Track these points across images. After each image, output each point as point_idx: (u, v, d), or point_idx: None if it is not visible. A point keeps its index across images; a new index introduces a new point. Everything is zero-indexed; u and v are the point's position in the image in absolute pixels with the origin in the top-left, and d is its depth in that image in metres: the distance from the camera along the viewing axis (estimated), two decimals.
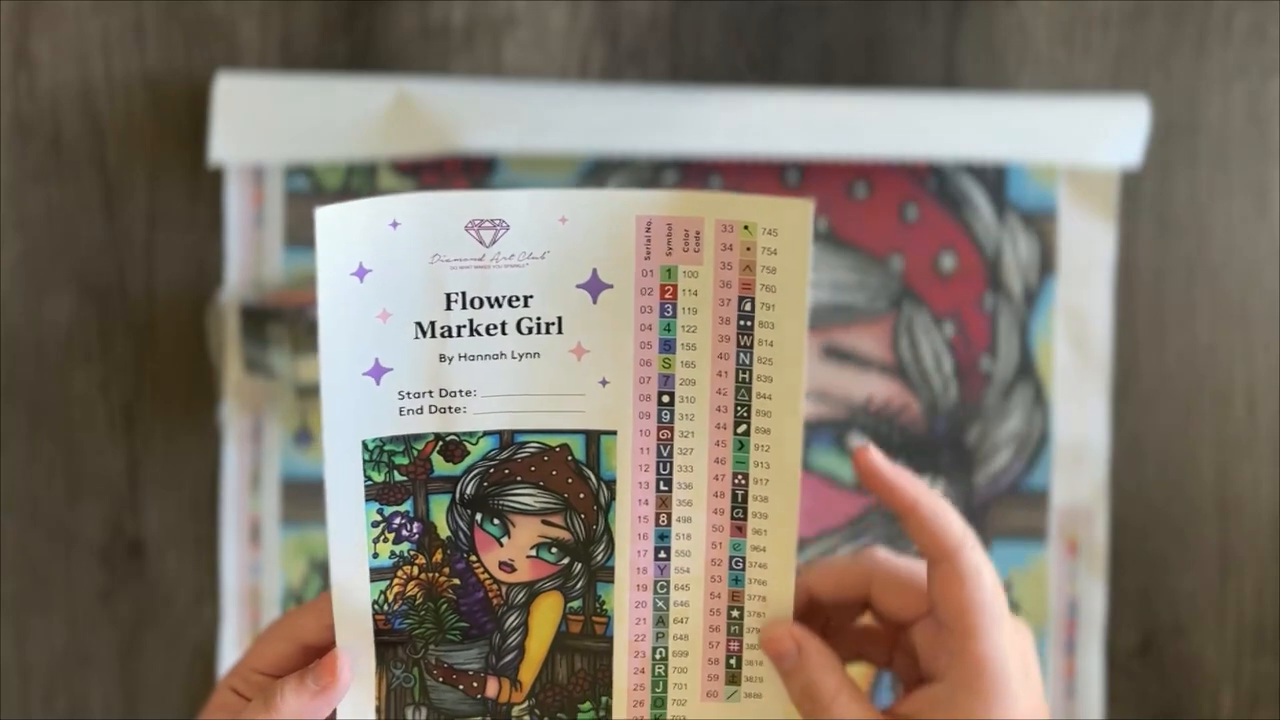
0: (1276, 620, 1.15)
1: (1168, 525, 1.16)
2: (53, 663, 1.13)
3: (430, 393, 0.76)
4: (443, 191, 0.75)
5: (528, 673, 0.79)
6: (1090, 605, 1.15)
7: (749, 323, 0.76)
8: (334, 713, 0.77)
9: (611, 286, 0.76)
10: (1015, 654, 0.75)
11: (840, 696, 0.76)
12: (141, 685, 1.14)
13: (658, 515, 0.78)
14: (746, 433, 0.77)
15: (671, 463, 0.77)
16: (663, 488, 0.77)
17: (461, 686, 0.79)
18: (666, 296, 0.76)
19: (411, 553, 0.77)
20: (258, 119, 1.11)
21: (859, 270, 1.13)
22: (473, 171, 1.12)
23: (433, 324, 0.75)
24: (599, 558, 0.78)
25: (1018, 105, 1.13)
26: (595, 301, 0.76)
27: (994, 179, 1.14)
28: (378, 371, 0.75)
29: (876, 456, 0.77)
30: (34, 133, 1.12)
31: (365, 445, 0.76)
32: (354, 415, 0.75)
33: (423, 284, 0.75)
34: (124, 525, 1.13)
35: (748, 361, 0.76)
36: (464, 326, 0.75)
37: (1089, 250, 1.14)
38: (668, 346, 0.76)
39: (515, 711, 0.79)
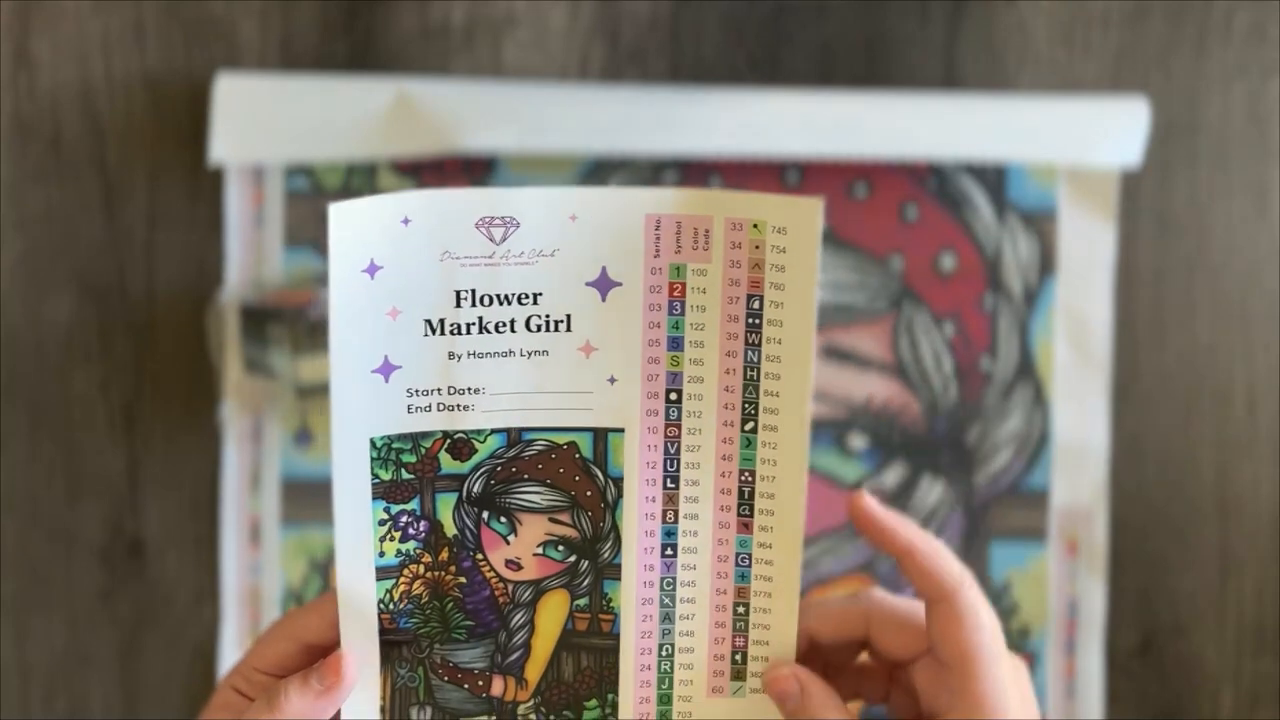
0: (1276, 620, 1.15)
1: (1168, 525, 1.16)
2: (53, 663, 1.13)
3: (439, 390, 0.76)
4: (454, 189, 0.75)
5: (533, 671, 0.79)
6: (1090, 605, 1.15)
7: (757, 321, 0.76)
8: (338, 713, 0.77)
9: (620, 284, 0.76)
10: (1015, 690, 0.77)
11: None
12: (141, 685, 1.14)
13: (665, 512, 0.78)
14: (754, 430, 0.77)
15: (679, 460, 0.77)
16: (670, 485, 0.77)
17: (467, 685, 0.79)
18: (675, 294, 0.76)
19: (418, 551, 0.77)
20: (258, 119, 1.10)
21: (859, 270, 1.13)
22: (473, 171, 1.12)
23: (442, 321, 0.75)
24: (606, 555, 0.78)
25: (1018, 105, 1.13)
26: (604, 299, 0.76)
27: (994, 179, 1.14)
28: (387, 369, 0.75)
29: (871, 503, 0.77)
30: (34, 133, 1.12)
31: (373, 443, 0.76)
32: (362, 413, 0.75)
33: (433, 281, 0.75)
34: (124, 525, 1.13)
35: (756, 360, 0.76)
36: (473, 324, 0.75)
37: (1089, 250, 1.14)
38: (676, 344, 0.76)
39: (521, 710, 0.79)
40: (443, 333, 0.75)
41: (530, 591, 0.79)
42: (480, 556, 0.78)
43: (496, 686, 0.79)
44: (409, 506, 0.77)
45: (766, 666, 0.79)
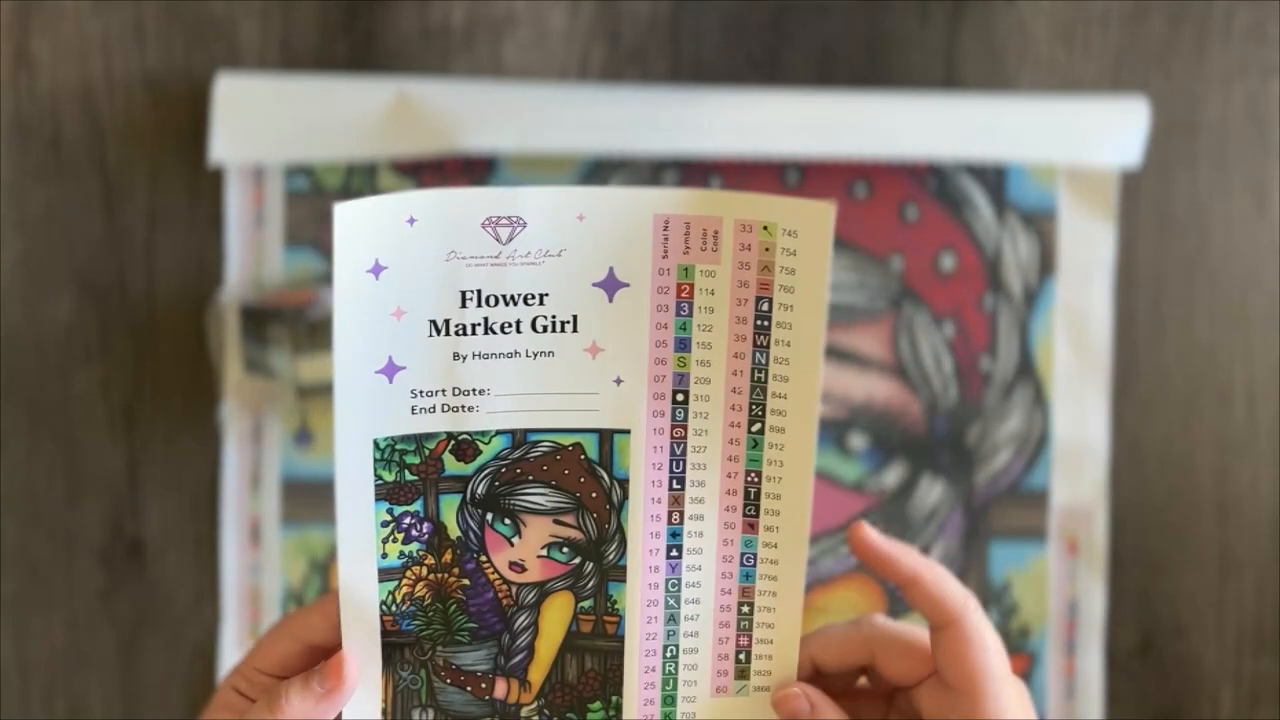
0: (1276, 620, 1.15)
1: (1168, 525, 1.16)
2: (53, 663, 1.13)
3: (443, 391, 0.75)
4: (460, 188, 0.75)
5: (537, 673, 0.79)
6: (1090, 605, 1.15)
7: (766, 323, 0.76)
8: (339, 715, 0.77)
9: (628, 285, 0.75)
10: (1020, 712, 0.77)
11: None
12: (141, 685, 1.14)
13: (670, 514, 0.77)
14: (761, 431, 0.76)
15: (685, 461, 0.77)
16: (675, 486, 0.77)
17: (469, 688, 0.79)
18: (683, 295, 0.76)
19: (421, 553, 0.77)
20: (258, 119, 1.10)
21: (859, 270, 1.13)
22: (473, 171, 1.12)
23: (447, 322, 0.75)
24: (611, 557, 0.78)
25: (1018, 105, 1.13)
26: (611, 300, 0.75)
27: (994, 179, 1.14)
28: (391, 370, 0.75)
29: (871, 533, 0.77)
30: (34, 133, 1.12)
31: (376, 444, 0.75)
32: (366, 414, 0.75)
33: (438, 281, 0.74)
34: (124, 525, 1.13)
35: (764, 361, 0.76)
36: (478, 325, 0.75)
37: (1089, 250, 1.14)
38: (683, 345, 0.76)
39: (524, 712, 0.79)
40: (448, 333, 0.75)
41: (534, 593, 0.78)
42: (484, 558, 0.78)
43: (500, 689, 0.79)
44: (412, 508, 0.77)
45: (771, 665, 0.79)
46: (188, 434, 1.13)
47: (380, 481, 0.76)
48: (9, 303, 1.12)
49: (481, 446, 0.76)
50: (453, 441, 0.76)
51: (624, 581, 0.78)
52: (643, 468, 0.77)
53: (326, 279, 1.11)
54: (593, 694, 0.79)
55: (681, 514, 0.77)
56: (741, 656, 0.79)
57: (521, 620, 0.78)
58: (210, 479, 1.13)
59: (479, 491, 0.77)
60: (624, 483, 0.77)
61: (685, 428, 0.77)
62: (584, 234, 0.75)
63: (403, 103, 1.10)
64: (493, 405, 0.76)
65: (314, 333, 1.08)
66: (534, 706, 0.79)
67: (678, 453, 0.77)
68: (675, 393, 0.76)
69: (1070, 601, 1.15)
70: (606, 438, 0.77)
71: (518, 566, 0.78)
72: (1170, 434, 1.16)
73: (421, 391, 0.75)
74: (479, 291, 0.75)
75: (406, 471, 0.76)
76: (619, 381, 0.76)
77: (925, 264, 1.14)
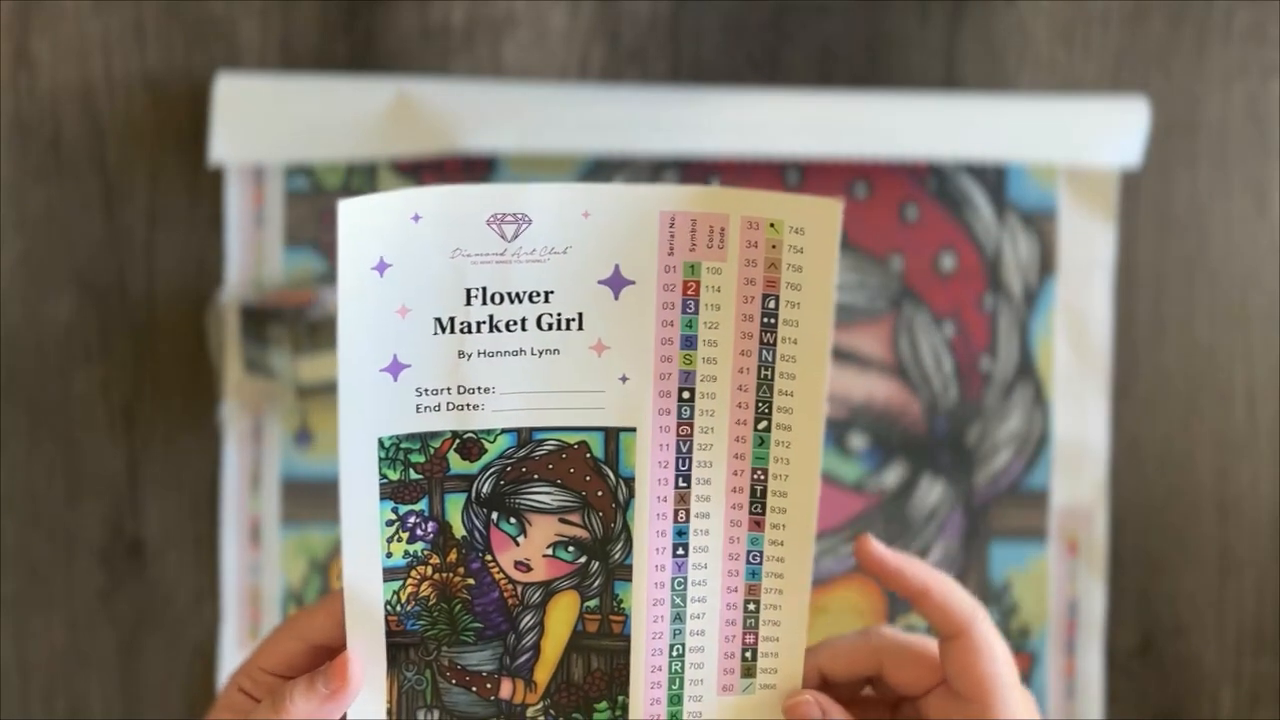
0: (1276, 620, 1.16)
1: (1168, 525, 1.16)
2: (53, 663, 1.13)
3: (448, 389, 0.75)
4: (465, 185, 0.74)
5: (543, 673, 0.79)
6: (1090, 605, 1.15)
7: (773, 320, 0.75)
8: (344, 716, 0.76)
9: (634, 283, 0.75)
10: (1029, 718, 0.77)
11: None
12: (141, 685, 1.14)
13: (676, 512, 0.77)
14: (767, 429, 0.76)
15: (691, 459, 0.77)
16: (682, 484, 0.77)
17: (475, 688, 0.78)
18: (689, 293, 0.75)
19: (426, 552, 0.77)
20: (258, 119, 1.10)
21: (859, 270, 1.13)
22: (473, 171, 1.12)
23: (452, 320, 0.74)
24: (617, 556, 0.77)
25: (1018, 105, 1.13)
26: (617, 298, 0.75)
27: (994, 179, 1.14)
28: (396, 368, 0.74)
29: (878, 547, 0.77)
30: (34, 133, 1.11)
31: (381, 443, 0.75)
32: (370, 412, 0.75)
33: (443, 279, 0.74)
34: (124, 525, 1.13)
35: (770, 359, 0.76)
36: (484, 322, 0.75)
37: (1089, 250, 1.14)
38: (689, 343, 0.76)
39: (530, 712, 0.79)
40: (453, 331, 0.74)
41: (540, 593, 0.78)
42: (489, 558, 0.77)
43: (505, 689, 0.79)
44: (417, 507, 0.76)
45: (777, 664, 0.79)
46: (188, 434, 1.13)
47: (385, 480, 0.76)
48: (9, 303, 1.11)
49: (487, 445, 0.76)
50: (458, 440, 0.76)
51: (630, 580, 0.78)
52: (649, 466, 0.77)
53: (326, 279, 1.11)
54: (599, 694, 0.79)
55: (687, 512, 0.77)
56: (748, 655, 0.79)
57: (527, 620, 0.78)
58: (210, 479, 1.13)
59: (484, 490, 0.77)
60: (630, 481, 0.77)
61: (691, 426, 0.77)
62: (589, 231, 0.74)
63: (403, 103, 1.09)
64: (498, 403, 0.76)
65: (314, 333, 1.08)
66: (540, 707, 0.79)
67: (684, 451, 0.77)
68: (681, 390, 0.76)
69: (1070, 601, 1.15)
70: (612, 436, 0.77)
71: (523, 566, 0.78)
72: (1170, 434, 1.16)
73: (426, 390, 0.75)
74: (484, 289, 0.74)
75: (411, 470, 0.76)
76: (625, 379, 0.76)
77: (925, 264, 1.14)
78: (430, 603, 0.77)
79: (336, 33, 1.12)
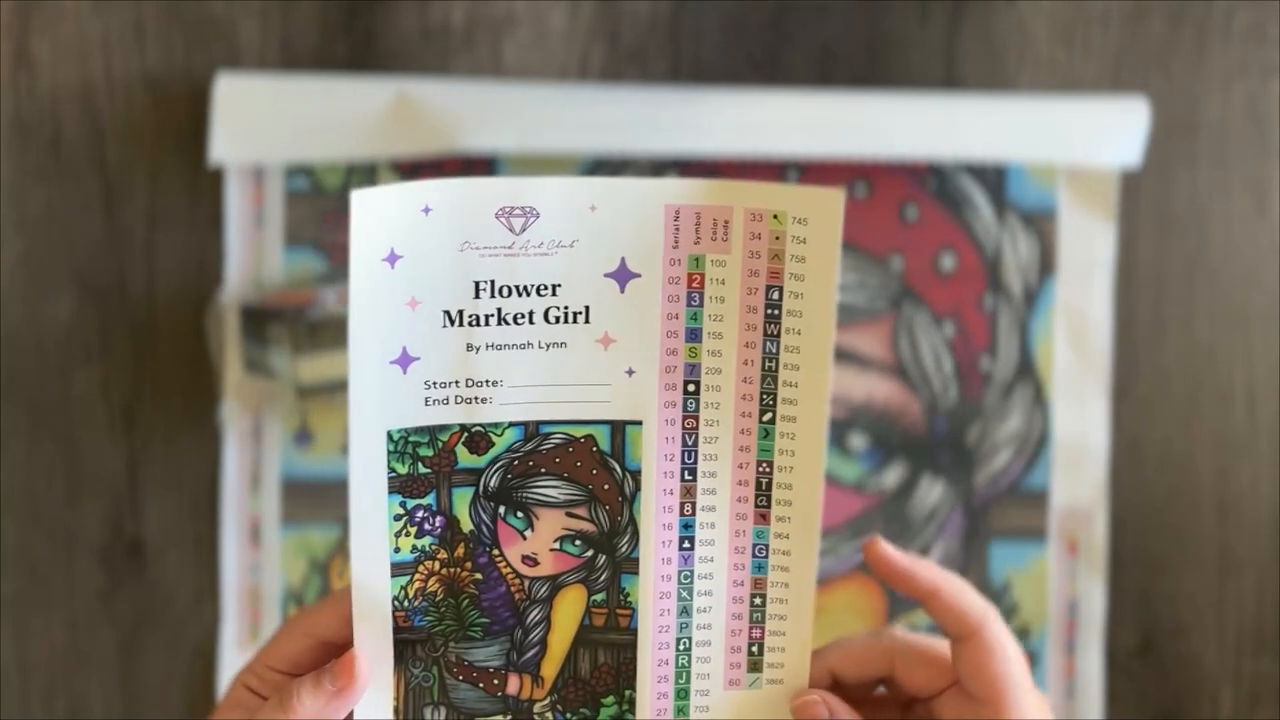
0: (1276, 620, 1.16)
1: (1168, 525, 1.16)
2: (53, 663, 1.13)
3: (457, 383, 0.75)
4: (475, 178, 0.74)
5: (550, 668, 0.78)
6: (1090, 605, 1.15)
7: (777, 312, 0.75)
8: (351, 713, 0.76)
9: (639, 276, 0.75)
10: (1043, 719, 0.77)
11: None
12: (141, 685, 1.14)
13: (682, 505, 0.77)
14: (772, 421, 0.76)
15: (696, 452, 0.77)
16: (687, 477, 0.77)
17: (482, 684, 0.78)
18: (694, 285, 0.76)
19: (433, 547, 0.77)
20: (258, 119, 1.10)
21: (859, 270, 1.13)
22: (473, 172, 1.12)
23: (461, 312, 0.74)
24: (624, 549, 0.77)
25: (1018, 105, 1.13)
26: (623, 291, 0.75)
27: (994, 179, 1.14)
28: (405, 360, 0.74)
29: (888, 549, 0.77)
30: (34, 133, 1.11)
31: (390, 436, 0.75)
32: (379, 405, 0.74)
33: (452, 272, 0.74)
34: (124, 525, 1.13)
35: (774, 351, 0.76)
36: (492, 315, 0.74)
37: (1089, 250, 1.14)
38: (694, 336, 0.76)
39: (537, 708, 0.79)
40: (461, 324, 0.74)
41: (547, 587, 0.78)
42: (497, 552, 0.77)
43: (512, 685, 0.78)
44: (425, 501, 0.76)
45: (783, 658, 0.79)
46: (188, 434, 1.13)
47: (393, 474, 0.75)
48: (9, 303, 1.11)
49: (494, 439, 0.76)
50: (466, 434, 0.76)
51: (636, 574, 0.78)
52: (655, 459, 0.77)
53: (326, 279, 1.11)
54: (606, 688, 0.79)
55: (694, 505, 0.77)
56: (754, 649, 0.79)
57: (534, 615, 0.78)
58: (210, 479, 1.13)
59: (492, 484, 0.77)
60: (636, 474, 0.77)
61: (697, 418, 0.77)
62: (596, 224, 0.75)
63: (403, 103, 1.09)
64: (506, 397, 0.76)
65: (314, 333, 1.08)
66: (546, 702, 0.79)
67: (689, 444, 0.77)
68: (687, 383, 0.76)
69: (1070, 601, 1.15)
70: (618, 429, 0.77)
71: (530, 560, 0.78)
72: (1170, 434, 1.16)
73: (435, 383, 0.75)
74: (492, 282, 0.74)
75: (420, 464, 0.76)
76: (631, 372, 0.76)
77: (925, 264, 1.14)
78: (437, 598, 0.77)
79: (336, 33, 1.12)
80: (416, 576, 0.77)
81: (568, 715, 0.79)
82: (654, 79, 1.13)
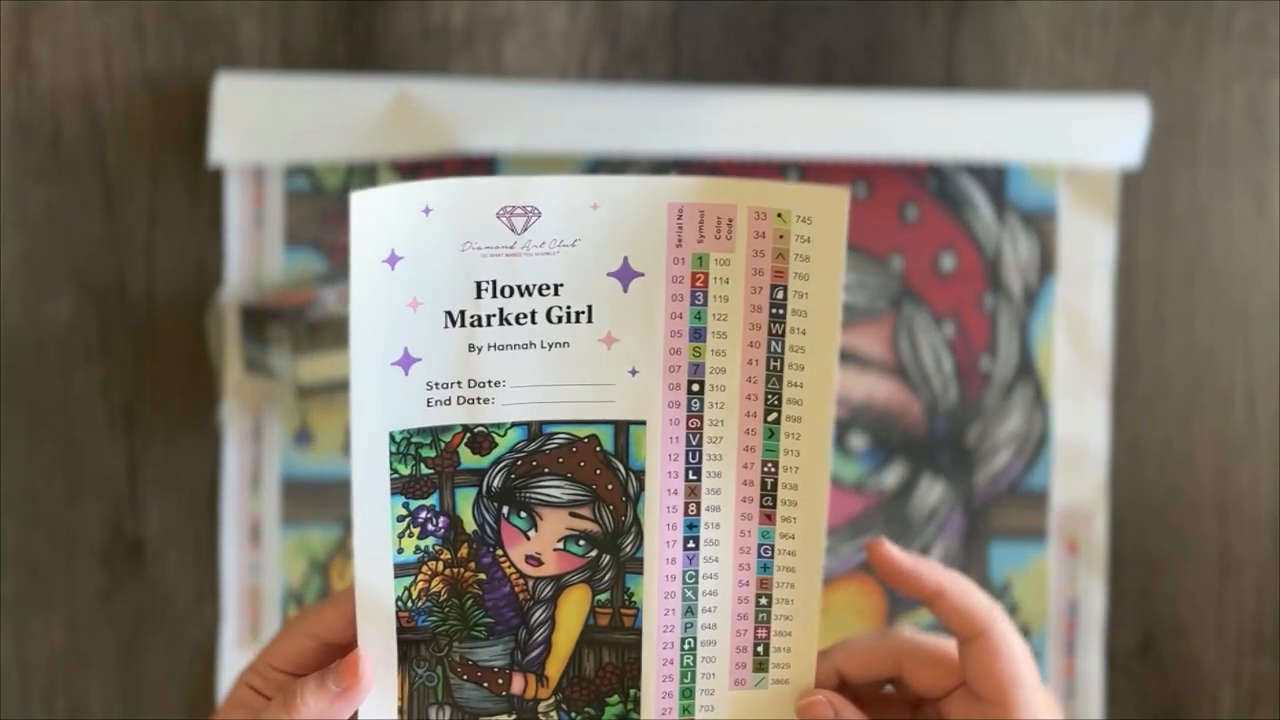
0: (1276, 620, 1.16)
1: (1168, 525, 1.16)
2: (53, 663, 1.13)
3: (459, 383, 0.75)
4: (475, 177, 0.74)
5: (554, 667, 0.78)
6: (1090, 605, 1.15)
7: (781, 311, 0.75)
8: (355, 714, 0.76)
9: (642, 275, 0.75)
10: (1051, 719, 0.77)
11: None
12: (141, 685, 1.14)
13: (687, 505, 0.77)
14: (777, 421, 0.76)
15: (701, 452, 0.77)
16: (692, 477, 0.77)
17: (486, 684, 0.78)
18: (698, 284, 0.75)
19: (437, 548, 0.77)
20: (258, 119, 1.10)
21: (859, 270, 1.13)
22: (473, 171, 1.12)
23: (462, 313, 0.74)
24: (628, 549, 0.77)
25: (1018, 105, 1.13)
26: (626, 290, 0.75)
27: (994, 179, 1.14)
28: (407, 361, 0.74)
29: (892, 550, 0.77)
30: (34, 133, 1.11)
31: (393, 437, 0.75)
32: (382, 406, 0.74)
33: (453, 272, 0.74)
34: (124, 525, 1.13)
35: (779, 350, 0.75)
36: (494, 315, 0.74)
37: (1089, 250, 1.14)
38: (698, 335, 0.76)
39: (542, 707, 0.79)
40: (463, 324, 0.74)
41: (551, 587, 0.78)
42: (500, 552, 0.77)
43: (517, 684, 0.78)
44: (428, 502, 0.76)
45: (790, 658, 0.79)
46: (188, 434, 1.13)
47: (396, 475, 0.75)
48: (9, 303, 1.11)
49: (497, 439, 0.76)
50: (468, 434, 0.76)
51: (641, 574, 0.77)
52: (659, 459, 0.76)
53: (326, 279, 1.11)
54: (610, 688, 0.79)
55: (698, 505, 0.77)
56: (760, 649, 0.78)
57: (538, 614, 0.78)
58: (210, 479, 1.13)
59: (495, 485, 0.77)
60: (640, 474, 0.77)
61: (701, 418, 0.76)
62: (598, 223, 0.74)
63: (403, 103, 1.09)
64: (508, 397, 0.75)
65: (314, 333, 1.08)
66: (551, 701, 0.79)
67: (694, 443, 0.77)
68: (691, 383, 0.76)
69: (1070, 601, 1.15)
70: (622, 429, 0.76)
71: (534, 560, 0.77)
72: (1170, 434, 1.16)
73: (437, 383, 0.75)
74: (494, 282, 0.74)
75: (422, 465, 0.76)
76: (634, 372, 0.76)
77: (925, 264, 1.14)
78: (441, 598, 0.77)
79: (336, 33, 1.12)
80: (420, 577, 0.77)
81: (572, 715, 0.79)
82: (654, 79, 1.13)
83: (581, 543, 0.77)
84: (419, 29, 1.12)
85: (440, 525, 0.76)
